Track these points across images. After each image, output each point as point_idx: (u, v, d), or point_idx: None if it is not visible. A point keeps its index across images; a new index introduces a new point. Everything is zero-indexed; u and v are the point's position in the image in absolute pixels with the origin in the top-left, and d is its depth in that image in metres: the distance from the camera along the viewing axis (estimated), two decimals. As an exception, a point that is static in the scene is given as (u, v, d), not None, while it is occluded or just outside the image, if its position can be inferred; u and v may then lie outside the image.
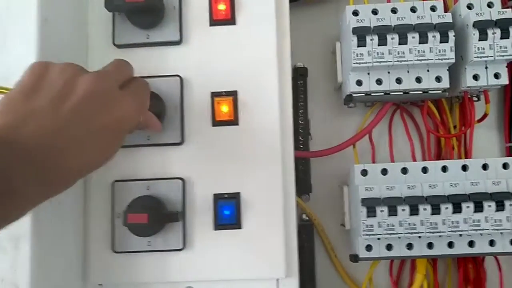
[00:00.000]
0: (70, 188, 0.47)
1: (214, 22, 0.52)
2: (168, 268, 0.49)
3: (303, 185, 0.60)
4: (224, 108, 0.51)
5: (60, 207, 0.46)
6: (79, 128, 0.35)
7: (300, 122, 0.61)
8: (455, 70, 0.55)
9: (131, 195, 0.49)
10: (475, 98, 0.59)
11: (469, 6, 0.54)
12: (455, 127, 0.60)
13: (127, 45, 0.52)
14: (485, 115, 0.59)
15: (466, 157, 0.59)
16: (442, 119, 0.60)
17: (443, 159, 0.59)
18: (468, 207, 0.49)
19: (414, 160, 0.59)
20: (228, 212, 0.49)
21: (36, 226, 0.41)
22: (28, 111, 0.33)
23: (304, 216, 0.61)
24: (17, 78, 0.43)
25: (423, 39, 0.51)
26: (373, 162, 0.59)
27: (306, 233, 0.59)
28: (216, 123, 0.51)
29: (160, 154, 0.51)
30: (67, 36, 0.50)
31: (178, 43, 0.52)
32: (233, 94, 0.51)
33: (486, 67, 0.53)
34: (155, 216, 0.46)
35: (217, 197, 0.50)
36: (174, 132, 0.50)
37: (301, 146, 0.61)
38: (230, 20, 0.52)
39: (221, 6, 0.52)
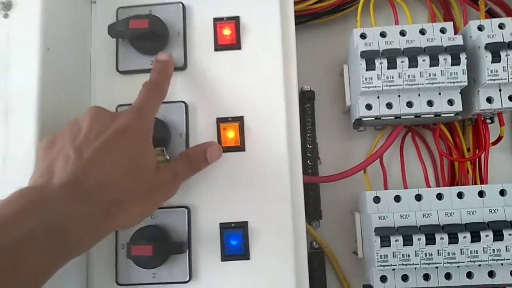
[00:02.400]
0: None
1: (219, 47, 0.51)
2: (173, 302, 0.47)
3: (312, 212, 0.58)
4: (230, 134, 0.50)
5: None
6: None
7: (308, 146, 0.59)
8: (467, 93, 0.53)
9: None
10: (488, 120, 0.57)
11: (480, 28, 0.53)
12: (468, 150, 0.59)
13: (131, 71, 0.51)
14: (499, 138, 0.58)
15: (481, 181, 0.57)
16: (455, 142, 0.58)
17: (457, 184, 0.57)
18: (487, 236, 0.47)
19: (428, 185, 0.57)
20: (235, 242, 0.48)
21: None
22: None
23: (314, 244, 0.59)
24: (17, 109, 0.43)
25: (434, 62, 0.50)
26: (385, 187, 0.57)
27: (317, 262, 0.57)
28: (222, 149, 0.49)
29: (165, 182, 0.49)
30: (70, 63, 0.49)
31: (182, 68, 0.51)
32: (239, 119, 0.50)
33: (500, 89, 0.52)
34: (160, 248, 0.44)
35: (224, 227, 0.48)
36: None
37: (310, 170, 0.59)
38: (235, 45, 0.51)
39: (226, 31, 0.51)
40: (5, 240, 0.30)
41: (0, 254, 0.29)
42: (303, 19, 0.62)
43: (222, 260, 0.47)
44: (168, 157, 0.46)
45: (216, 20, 0.51)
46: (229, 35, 0.51)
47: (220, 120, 0.50)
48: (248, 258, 0.47)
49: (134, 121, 0.39)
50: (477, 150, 0.57)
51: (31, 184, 0.36)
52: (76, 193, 0.34)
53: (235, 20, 0.51)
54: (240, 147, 0.49)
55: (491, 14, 0.62)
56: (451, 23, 0.55)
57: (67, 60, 0.49)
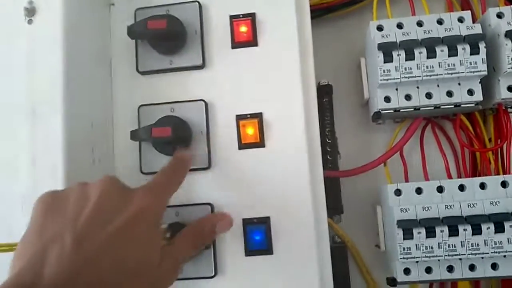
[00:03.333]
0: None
1: (236, 44, 0.52)
2: (198, 297, 0.48)
3: (334, 206, 0.58)
4: (250, 131, 0.50)
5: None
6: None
7: (328, 140, 0.60)
8: (487, 82, 0.53)
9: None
10: (510, 109, 0.57)
11: (499, 15, 0.52)
12: (490, 140, 0.58)
13: (151, 72, 0.52)
14: (522, 127, 0.57)
15: (504, 171, 0.56)
16: (476, 132, 0.58)
17: (479, 175, 0.57)
18: (511, 226, 0.47)
19: (449, 176, 0.57)
20: (258, 237, 0.48)
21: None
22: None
23: (336, 238, 0.59)
24: (43, 110, 0.44)
25: (453, 52, 0.50)
26: (406, 180, 0.57)
27: (340, 256, 0.57)
28: (242, 146, 0.50)
29: (188, 179, 0.49)
30: (91, 66, 0.50)
31: (201, 67, 0.52)
32: (258, 116, 0.50)
33: (521, 77, 0.51)
34: (184, 244, 0.45)
35: (247, 222, 0.49)
36: (201, 157, 0.50)
37: (330, 165, 0.59)
38: (252, 42, 0.51)
39: (243, 28, 0.52)
40: None
41: None
42: (319, 13, 0.62)
43: (246, 255, 0.48)
44: (168, 236, 0.43)
45: (232, 17, 0.52)
46: (246, 32, 0.52)
47: (239, 117, 0.50)
48: (271, 253, 0.48)
49: (148, 202, 0.37)
50: (499, 140, 0.57)
51: (19, 273, 0.31)
52: None
53: (251, 16, 0.52)
54: (259, 144, 0.50)
55: (510, 0, 0.61)
56: (469, 11, 0.54)
57: (89, 62, 0.50)
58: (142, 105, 0.52)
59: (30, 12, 0.45)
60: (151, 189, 0.39)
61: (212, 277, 0.48)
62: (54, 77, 0.44)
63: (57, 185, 0.42)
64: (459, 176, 0.59)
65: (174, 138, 0.48)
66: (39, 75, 0.45)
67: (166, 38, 0.50)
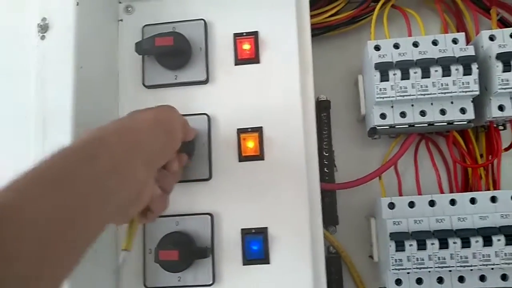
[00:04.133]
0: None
1: (239, 61, 0.54)
2: (198, 303, 0.50)
3: (329, 217, 0.60)
4: (250, 144, 0.52)
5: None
6: None
7: (325, 154, 0.62)
8: (479, 101, 0.55)
9: (161, 231, 0.50)
10: (501, 127, 0.59)
11: (491, 38, 0.55)
12: (481, 156, 0.60)
13: (157, 86, 0.55)
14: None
15: (494, 187, 0.58)
16: (468, 148, 0.60)
17: (471, 189, 0.59)
18: (499, 240, 0.49)
19: (442, 191, 0.59)
20: (256, 247, 0.50)
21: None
22: None
23: (331, 249, 0.61)
24: (54, 121, 0.46)
25: (446, 72, 0.52)
26: (400, 193, 0.59)
27: (334, 266, 0.59)
28: (242, 158, 0.52)
29: (189, 190, 0.52)
30: (100, 80, 0.52)
31: (205, 82, 0.54)
32: (258, 130, 0.52)
33: (511, 98, 0.53)
34: (185, 253, 0.47)
35: (245, 232, 0.51)
36: (202, 168, 0.52)
37: (327, 178, 0.61)
38: (254, 59, 0.54)
39: (246, 46, 0.54)
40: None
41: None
42: (319, 31, 0.64)
43: (244, 264, 0.50)
44: None
45: (236, 35, 0.54)
46: (249, 49, 0.54)
47: (240, 131, 0.52)
48: (268, 262, 0.50)
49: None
50: (490, 156, 0.59)
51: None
52: None
53: (254, 35, 0.54)
54: (259, 156, 0.52)
55: (503, 22, 0.63)
56: (463, 33, 0.56)
57: (98, 77, 0.52)
58: (147, 118, 0.54)
59: (44, 28, 0.48)
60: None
61: (210, 285, 0.50)
62: (64, 90, 0.47)
63: (66, 194, 0.44)
64: (451, 191, 0.60)
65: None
66: (50, 89, 0.47)
67: (172, 54, 0.53)
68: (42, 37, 0.48)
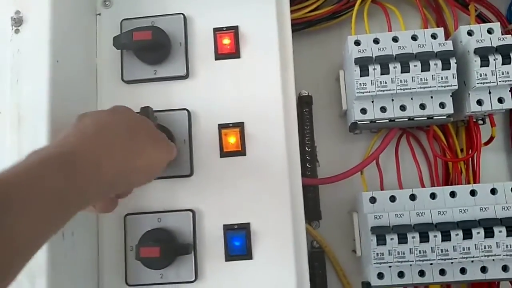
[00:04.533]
0: (84, 220, 0.49)
1: (219, 56, 0.54)
2: (179, 301, 0.49)
3: (312, 212, 0.61)
4: (232, 140, 0.52)
5: (73, 239, 0.46)
6: None
7: (307, 149, 0.62)
8: (458, 96, 0.55)
9: (143, 228, 0.50)
10: (480, 122, 0.60)
11: (470, 33, 0.55)
12: (462, 150, 0.61)
13: (136, 81, 0.54)
14: (491, 138, 0.60)
15: (474, 180, 0.59)
16: (448, 143, 0.61)
17: (451, 183, 0.60)
18: (478, 233, 0.49)
19: (423, 185, 0.59)
20: (238, 243, 0.50)
21: (51, 262, 0.42)
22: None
23: (315, 243, 0.61)
24: (29, 117, 0.45)
25: (425, 67, 0.52)
26: (381, 188, 0.59)
27: (318, 260, 0.59)
28: (224, 154, 0.52)
29: (170, 186, 0.51)
30: (77, 74, 0.51)
31: (184, 77, 0.53)
32: (239, 125, 0.52)
33: (490, 92, 0.54)
34: (167, 249, 0.47)
35: (227, 228, 0.50)
36: (183, 164, 0.51)
37: (309, 173, 0.61)
38: (234, 53, 0.53)
39: (226, 41, 0.53)
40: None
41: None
42: (300, 26, 0.64)
43: (226, 260, 0.50)
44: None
45: (216, 30, 0.54)
46: (229, 44, 0.53)
47: (221, 126, 0.52)
48: (251, 258, 0.50)
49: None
50: (470, 151, 0.59)
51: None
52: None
53: (234, 29, 0.54)
54: (241, 152, 0.52)
55: (481, 18, 0.64)
56: (442, 29, 0.57)
57: (75, 71, 0.51)
58: (126, 114, 0.53)
59: (18, 22, 0.46)
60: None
61: (192, 282, 0.49)
62: (40, 85, 0.46)
63: (42, 191, 0.43)
64: (432, 185, 0.61)
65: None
66: (25, 84, 0.46)
67: (151, 49, 0.52)
68: (16, 31, 0.47)
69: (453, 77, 0.52)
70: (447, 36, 0.59)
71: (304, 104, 0.62)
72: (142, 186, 0.51)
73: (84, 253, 0.49)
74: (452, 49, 0.52)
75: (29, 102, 0.46)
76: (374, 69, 0.52)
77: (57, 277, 0.43)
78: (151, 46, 0.51)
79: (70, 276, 0.46)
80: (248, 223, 0.50)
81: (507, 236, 0.49)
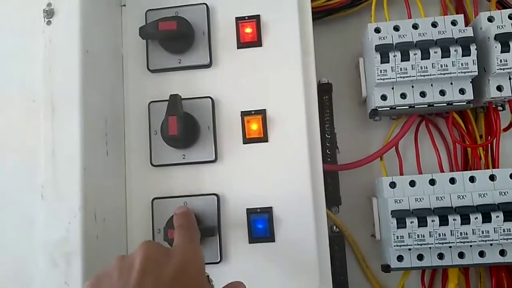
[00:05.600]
0: (113, 206, 0.51)
1: (241, 44, 0.55)
2: (206, 281, 0.51)
3: (332, 198, 0.62)
4: (254, 126, 0.53)
5: (105, 225, 0.48)
6: None
7: (327, 136, 0.63)
8: (478, 82, 0.56)
9: (170, 212, 0.51)
10: (500, 108, 0.60)
11: (490, 19, 0.55)
12: (481, 136, 0.61)
13: (161, 70, 0.56)
14: (510, 124, 0.60)
15: (493, 166, 0.59)
16: (467, 129, 0.61)
17: (470, 169, 0.60)
18: (497, 216, 0.50)
19: (442, 170, 0.60)
20: (261, 226, 0.51)
21: (85, 243, 0.44)
22: None
23: (334, 228, 0.62)
24: (62, 106, 0.47)
25: (445, 54, 0.53)
26: (401, 174, 0.60)
27: (338, 245, 0.60)
28: (246, 140, 0.53)
29: (195, 171, 0.53)
30: (105, 64, 0.53)
31: (208, 66, 0.55)
32: (262, 112, 0.53)
33: (510, 78, 0.54)
34: (193, 232, 0.48)
35: (250, 212, 0.52)
36: (208, 151, 0.53)
37: (329, 159, 0.62)
38: (256, 42, 0.55)
39: (248, 29, 0.55)
40: None
41: None
42: (320, 14, 0.65)
43: (250, 242, 0.51)
44: (213, 284, 0.41)
45: (238, 19, 0.55)
46: (251, 33, 0.55)
47: (244, 113, 0.53)
48: (273, 241, 0.51)
49: (191, 254, 0.39)
50: (489, 136, 0.60)
51: None
52: None
53: (256, 18, 0.55)
54: (263, 138, 0.53)
55: (502, 4, 0.64)
56: (462, 15, 0.57)
57: (103, 61, 0.53)
58: (152, 102, 0.55)
59: (49, 13, 0.48)
60: (186, 242, 0.41)
61: (217, 263, 0.51)
62: (72, 74, 0.47)
63: (75, 175, 0.46)
64: (451, 170, 0.62)
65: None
66: (57, 73, 0.48)
67: (175, 39, 0.54)
68: (48, 22, 0.48)
69: (473, 63, 0.53)
70: (466, 23, 0.59)
71: (324, 91, 0.63)
72: (169, 172, 0.53)
73: (114, 236, 0.51)
74: (472, 35, 0.53)
75: (62, 91, 0.47)
76: (394, 56, 0.53)
77: (89, 256, 0.45)
78: (176, 36, 0.53)
79: (102, 256, 0.48)
80: (271, 207, 0.52)
81: (526, 219, 0.50)
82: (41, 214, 0.46)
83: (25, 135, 0.47)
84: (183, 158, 0.53)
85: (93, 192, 0.47)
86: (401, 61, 0.53)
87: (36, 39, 0.48)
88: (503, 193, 0.52)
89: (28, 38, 0.49)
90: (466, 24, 0.58)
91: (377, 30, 0.57)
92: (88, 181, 0.46)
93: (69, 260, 0.44)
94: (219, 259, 0.51)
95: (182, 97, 0.53)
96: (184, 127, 0.50)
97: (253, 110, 0.53)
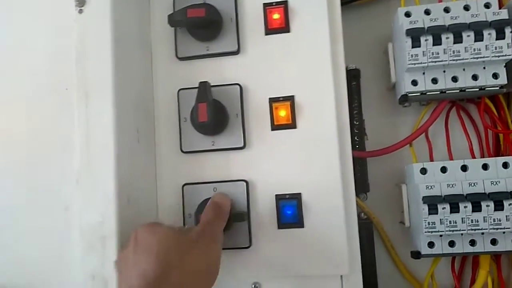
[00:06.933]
0: (145, 191, 0.52)
1: (269, 31, 0.55)
2: (235, 265, 0.52)
3: (360, 185, 0.61)
4: (282, 113, 0.53)
5: (138, 208, 0.49)
6: None
7: (355, 122, 0.62)
8: (512, 66, 0.55)
9: (200, 197, 0.52)
10: (534, 93, 0.58)
11: (526, 0, 0.54)
12: (513, 122, 0.60)
13: (189, 57, 0.56)
14: (545, 109, 0.59)
15: (526, 153, 0.58)
16: (499, 114, 0.60)
17: (502, 155, 0.59)
18: (532, 202, 0.49)
19: (473, 157, 0.59)
20: (290, 211, 0.52)
21: (119, 226, 0.45)
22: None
23: (362, 215, 0.62)
24: (95, 94, 0.48)
25: (479, 37, 0.52)
26: (431, 160, 0.60)
27: (366, 231, 0.60)
28: (275, 127, 0.53)
29: (225, 158, 0.54)
30: (135, 52, 0.54)
31: (236, 53, 0.55)
32: (290, 99, 0.53)
33: (546, 61, 0.53)
34: (223, 217, 0.49)
35: (279, 198, 0.52)
36: (236, 137, 0.53)
37: (358, 146, 0.62)
38: (284, 28, 0.54)
39: (276, 15, 0.54)
40: None
41: None
42: None
43: (279, 228, 0.52)
44: None
45: (265, 5, 0.55)
46: (278, 19, 0.54)
47: (272, 100, 0.53)
48: (302, 226, 0.51)
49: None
50: (522, 122, 0.59)
51: None
52: None
53: (284, 4, 0.54)
54: (291, 125, 0.53)
55: (537, -15, 0.62)
56: (496, -3, 0.56)
57: (133, 49, 0.53)
58: (181, 89, 0.55)
59: (81, 2, 0.49)
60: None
61: (247, 248, 0.51)
62: (104, 62, 0.48)
63: (109, 162, 0.46)
64: (482, 157, 0.61)
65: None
66: (90, 61, 0.48)
67: (204, 26, 0.54)
68: (80, 11, 0.49)
69: (508, 46, 0.52)
70: (500, 5, 0.58)
71: (352, 77, 0.63)
72: (198, 158, 0.54)
73: (147, 220, 0.52)
74: (507, 17, 0.52)
75: (94, 79, 0.48)
76: (426, 40, 0.52)
77: (123, 238, 0.46)
78: (204, 23, 0.53)
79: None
80: (300, 193, 0.52)
81: None
82: (77, 200, 0.47)
83: (59, 123, 0.48)
84: (213, 144, 0.54)
85: (126, 178, 0.48)
86: (433, 45, 0.52)
87: (68, 28, 0.49)
88: (537, 179, 0.51)
89: (60, 27, 0.50)
90: (500, 7, 0.56)
91: (408, 14, 0.56)
92: (121, 167, 0.47)
93: (105, 243, 0.45)
94: (248, 244, 0.51)
95: (211, 85, 0.53)
96: (213, 113, 0.50)
97: (281, 97, 0.53)
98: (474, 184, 0.51)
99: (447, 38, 0.52)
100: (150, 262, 0.39)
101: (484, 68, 0.54)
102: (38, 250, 0.48)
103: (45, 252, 0.48)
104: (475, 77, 0.54)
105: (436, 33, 0.52)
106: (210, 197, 0.52)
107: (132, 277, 0.39)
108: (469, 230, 0.50)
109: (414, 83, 0.55)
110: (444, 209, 0.50)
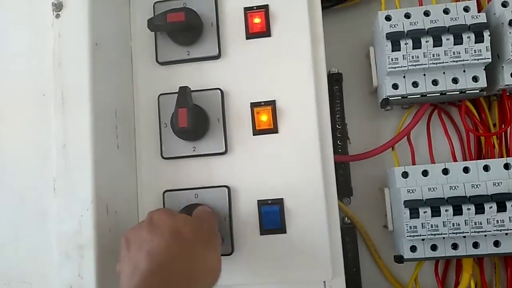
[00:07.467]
0: (125, 198, 0.51)
1: (250, 35, 0.54)
2: (217, 273, 0.51)
3: (344, 189, 0.61)
4: (264, 118, 0.53)
5: (117, 217, 0.49)
6: None
7: (338, 126, 0.62)
8: (492, 69, 0.55)
9: (181, 204, 0.52)
10: (514, 95, 0.59)
11: (504, 4, 0.54)
12: (494, 125, 0.60)
13: (169, 62, 0.55)
14: (525, 112, 0.59)
15: (507, 155, 0.58)
16: (481, 117, 0.60)
17: (484, 158, 0.59)
18: (512, 205, 0.49)
19: (455, 160, 0.59)
20: (272, 217, 0.51)
21: (97, 235, 0.44)
22: None
23: (346, 219, 0.62)
24: (72, 100, 0.47)
25: (458, 41, 0.52)
26: (413, 163, 0.60)
27: (349, 236, 0.60)
28: (256, 132, 0.53)
29: (206, 163, 0.53)
30: (114, 57, 0.53)
31: (217, 57, 0.54)
32: (271, 103, 0.53)
33: (525, 64, 0.53)
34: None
35: (261, 203, 0.52)
36: (218, 143, 0.53)
37: (340, 150, 0.62)
38: (265, 32, 0.54)
39: (257, 20, 0.54)
40: None
41: None
42: (329, 3, 0.64)
43: (261, 234, 0.51)
44: None
45: (246, 9, 0.55)
46: (259, 23, 0.54)
47: (254, 105, 0.53)
48: (285, 232, 0.51)
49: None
50: (503, 125, 0.59)
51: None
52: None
53: (265, 8, 0.54)
54: (273, 130, 0.53)
55: (515, -10, 0.63)
56: (474, 1, 0.56)
57: (112, 54, 0.52)
58: (161, 94, 0.55)
59: (58, 7, 0.48)
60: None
61: (229, 254, 0.51)
62: (81, 67, 0.47)
63: (86, 168, 0.46)
64: (464, 160, 0.61)
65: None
66: (67, 66, 0.48)
67: (184, 30, 0.53)
68: (57, 16, 0.48)
69: (487, 50, 0.52)
70: (479, 9, 0.58)
71: (334, 81, 0.63)
72: (179, 164, 0.53)
73: (126, 228, 0.51)
74: (485, 21, 0.52)
75: (72, 84, 0.47)
76: (406, 44, 0.52)
77: (102, 248, 0.45)
78: (184, 27, 0.53)
79: (114, 248, 0.48)
80: (282, 199, 0.52)
81: (542, 208, 0.49)
82: (53, 207, 0.46)
83: (36, 128, 0.48)
84: (194, 150, 0.53)
85: (105, 185, 0.47)
86: (413, 49, 0.53)
87: (45, 32, 0.48)
88: (518, 182, 0.51)
89: (37, 32, 0.49)
90: (479, 10, 0.57)
91: (388, 18, 0.56)
92: (100, 174, 0.46)
93: (82, 253, 0.44)
94: (231, 251, 0.51)
95: (192, 89, 0.53)
96: (194, 119, 0.49)
97: (263, 101, 0.53)
98: (455, 188, 0.51)
99: (426, 41, 0.52)
100: (163, 242, 0.40)
101: (464, 71, 0.54)
102: (17, 257, 0.47)
103: (22, 260, 0.47)
104: (455, 81, 0.54)
105: (416, 37, 0.52)
106: (191, 204, 0.51)
107: (141, 255, 0.39)
108: (450, 233, 0.50)
109: (395, 86, 0.55)
110: (425, 213, 0.50)
